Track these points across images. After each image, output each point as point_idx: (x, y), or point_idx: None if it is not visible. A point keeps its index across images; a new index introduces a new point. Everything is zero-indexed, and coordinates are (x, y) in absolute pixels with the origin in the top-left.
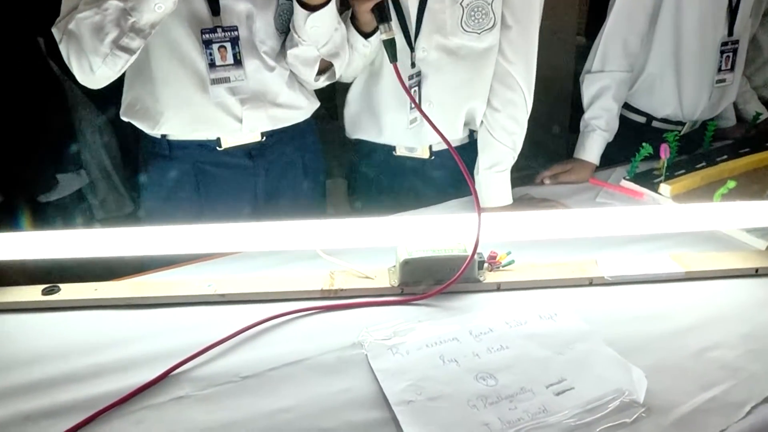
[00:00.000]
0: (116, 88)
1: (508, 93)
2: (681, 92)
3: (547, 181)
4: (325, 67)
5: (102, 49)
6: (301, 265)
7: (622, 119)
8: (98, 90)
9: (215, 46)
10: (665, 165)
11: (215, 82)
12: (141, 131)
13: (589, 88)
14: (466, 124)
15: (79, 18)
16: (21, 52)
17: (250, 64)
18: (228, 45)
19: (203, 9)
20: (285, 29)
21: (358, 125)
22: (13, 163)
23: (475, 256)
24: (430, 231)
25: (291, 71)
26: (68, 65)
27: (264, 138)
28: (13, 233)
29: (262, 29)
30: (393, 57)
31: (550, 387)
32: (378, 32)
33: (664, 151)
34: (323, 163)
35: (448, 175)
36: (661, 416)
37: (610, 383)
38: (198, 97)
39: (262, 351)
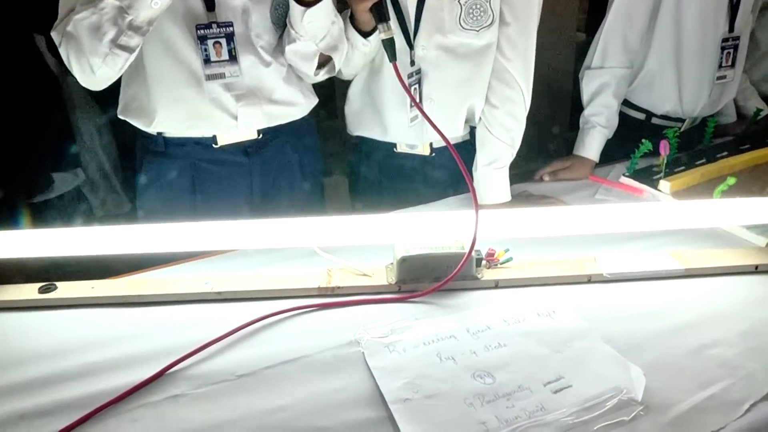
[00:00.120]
0: (115, 88)
1: (506, 90)
2: (681, 89)
3: (546, 178)
4: (325, 61)
5: (101, 49)
6: (299, 262)
7: (622, 116)
8: (97, 90)
9: (210, 42)
10: (665, 161)
11: (210, 78)
12: (138, 129)
13: (588, 85)
14: (466, 121)
15: (76, 19)
16: (17, 51)
17: (246, 59)
18: (223, 41)
19: (198, 5)
20: (281, 23)
21: (360, 122)
22: (10, 162)
23: (473, 254)
24: (428, 228)
25: (288, 67)
26: (69, 68)
27: (260, 135)
28: (10, 231)
29: (259, 23)
30: (392, 56)
31: (547, 385)
32: (377, 31)
33: (664, 148)
34: (321, 162)
35: (449, 172)
36: (660, 414)
37: (608, 381)
38: (193, 94)
39: (259, 349)
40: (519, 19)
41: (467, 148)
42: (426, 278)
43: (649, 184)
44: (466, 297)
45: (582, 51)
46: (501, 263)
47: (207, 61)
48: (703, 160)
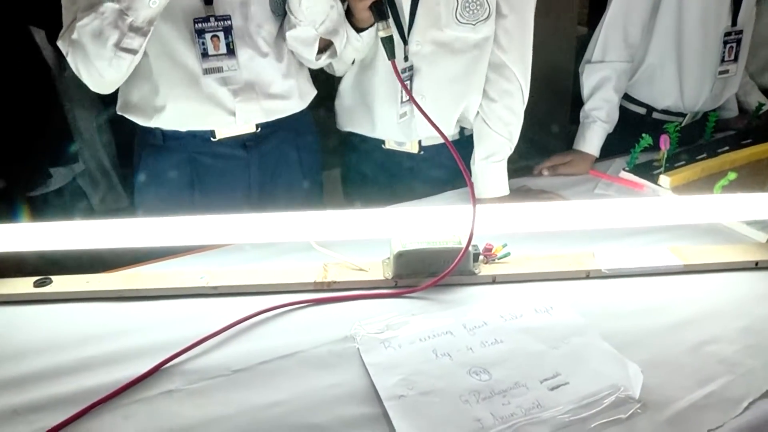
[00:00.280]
0: None
1: (504, 83)
2: (682, 83)
3: (545, 173)
4: (326, 46)
5: (106, 53)
6: (295, 257)
7: (622, 110)
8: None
9: (208, 36)
10: (665, 156)
11: (207, 72)
12: (137, 123)
13: (589, 79)
14: (458, 122)
15: (79, 26)
16: (14, 44)
17: (244, 53)
18: (221, 34)
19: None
20: (281, 11)
21: (350, 118)
22: (6, 156)
23: (471, 249)
24: (425, 223)
25: (286, 60)
26: (78, 75)
27: (259, 129)
28: (5, 225)
29: (258, 13)
30: (391, 54)
31: (544, 382)
32: (372, 27)
33: (664, 143)
34: (320, 157)
35: (437, 170)
36: (657, 412)
37: (606, 378)
38: (191, 91)
39: (254, 344)
40: (516, 11)
41: (457, 148)
42: (423, 273)
43: (649, 179)
44: (463, 292)
45: (583, 45)
46: (498, 258)
47: (204, 54)
48: (704, 155)
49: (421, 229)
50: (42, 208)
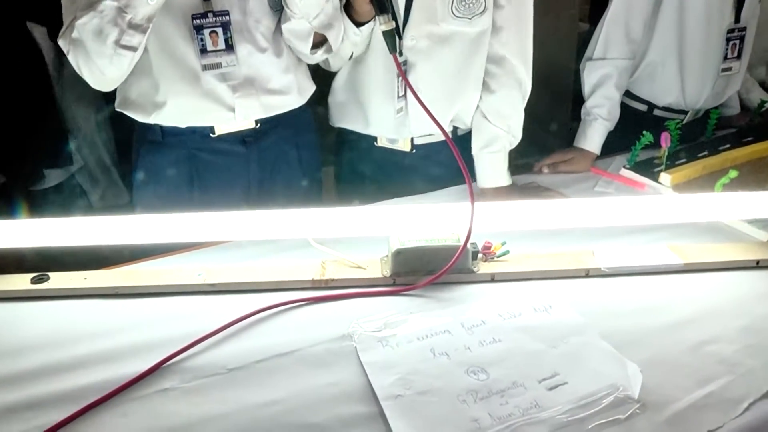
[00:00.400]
0: None
1: (503, 75)
2: (684, 81)
3: (545, 170)
4: (322, 41)
5: (106, 51)
6: (293, 254)
7: (623, 107)
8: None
9: (206, 32)
10: (666, 153)
11: (206, 68)
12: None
13: (590, 76)
14: (452, 121)
15: (78, 25)
16: (11, 41)
17: (242, 48)
18: (219, 30)
19: None
20: (278, 6)
21: (344, 115)
22: (4, 155)
23: (470, 247)
24: (424, 220)
25: (285, 56)
26: (80, 73)
27: (258, 125)
28: (2, 221)
29: (256, 8)
30: (393, 48)
31: (542, 382)
32: (372, 21)
33: (665, 140)
34: (319, 154)
35: (429, 169)
36: (656, 412)
37: (605, 378)
38: (190, 87)
39: (250, 342)
40: (513, 2)
41: (447, 147)
42: (421, 271)
43: (650, 177)
44: (461, 290)
45: (584, 42)
46: (498, 256)
47: (203, 50)
48: (705, 153)
49: (419, 227)
50: (42, 204)
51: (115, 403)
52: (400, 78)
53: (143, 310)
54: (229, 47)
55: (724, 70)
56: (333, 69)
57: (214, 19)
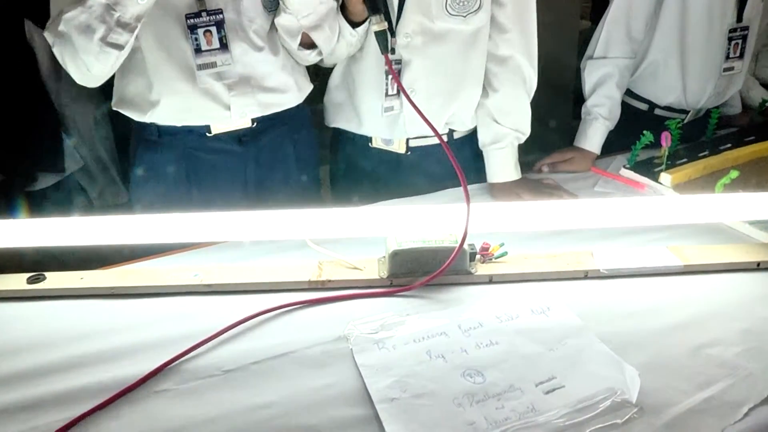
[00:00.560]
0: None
1: (507, 74)
2: (685, 80)
3: (545, 169)
4: (313, 42)
5: (92, 47)
6: (290, 254)
7: (624, 106)
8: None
9: (200, 31)
10: (666, 153)
11: (201, 67)
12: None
13: (591, 75)
14: (447, 124)
15: (66, 18)
16: (7, 42)
17: (237, 47)
18: (213, 29)
19: None
20: (272, 7)
21: (338, 114)
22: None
23: (467, 248)
24: (422, 221)
25: (282, 54)
26: (64, 67)
27: (255, 124)
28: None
29: (250, 8)
30: (384, 48)
31: (539, 385)
32: (367, 22)
33: (666, 139)
34: (317, 152)
35: (424, 173)
36: (654, 417)
37: (602, 381)
38: (186, 86)
39: (246, 344)
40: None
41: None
42: (418, 273)
43: (650, 177)
44: (459, 292)
45: (586, 39)
46: (495, 258)
47: (198, 50)
48: (706, 152)
49: (417, 228)
50: (40, 203)
51: (109, 405)
52: (391, 77)
53: (139, 310)
54: (224, 46)
55: (726, 69)
56: (327, 66)
57: (207, 18)
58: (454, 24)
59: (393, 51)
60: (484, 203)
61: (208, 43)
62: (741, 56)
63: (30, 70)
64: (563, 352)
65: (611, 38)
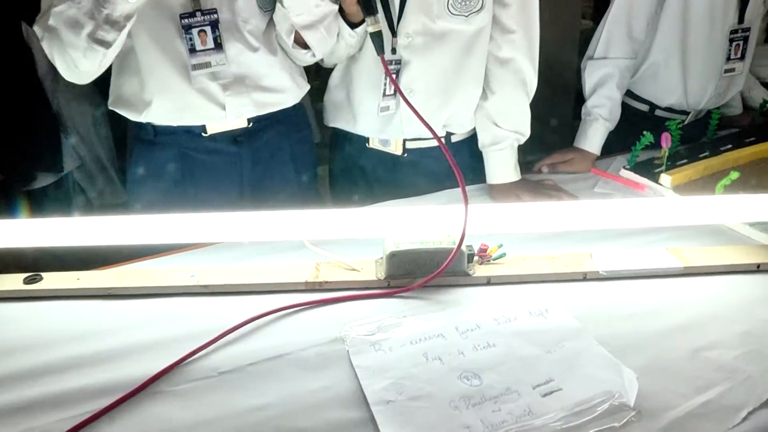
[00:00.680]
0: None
1: (507, 75)
2: (686, 81)
3: (545, 170)
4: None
5: (79, 43)
6: (287, 255)
7: (624, 107)
8: (93, 83)
9: (195, 31)
10: (666, 154)
11: (196, 67)
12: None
13: (591, 75)
14: (445, 126)
15: (55, 12)
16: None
17: (232, 47)
18: (208, 29)
19: None
20: (268, 7)
21: (336, 113)
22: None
23: (465, 249)
24: (420, 222)
25: (279, 54)
26: (53, 62)
27: (251, 123)
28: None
29: (245, 8)
30: (380, 49)
31: (536, 388)
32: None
33: (666, 140)
34: (314, 153)
35: (420, 175)
36: (652, 420)
37: (600, 384)
38: (181, 86)
39: (242, 345)
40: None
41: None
42: (416, 274)
43: (650, 178)
44: (457, 293)
45: (587, 39)
46: (494, 259)
47: (192, 50)
48: (706, 153)
49: (415, 229)
50: (39, 202)
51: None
52: (388, 77)
53: (136, 311)
54: (218, 46)
55: (727, 71)
56: (326, 66)
57: (202, 17)
58: (455, 24)
59: (394, 51)
60: (482, 204)
61: (203, 43)
62: (742, 57)
63: (27, 70)
64: (561, 355)
65: (612, 38)
